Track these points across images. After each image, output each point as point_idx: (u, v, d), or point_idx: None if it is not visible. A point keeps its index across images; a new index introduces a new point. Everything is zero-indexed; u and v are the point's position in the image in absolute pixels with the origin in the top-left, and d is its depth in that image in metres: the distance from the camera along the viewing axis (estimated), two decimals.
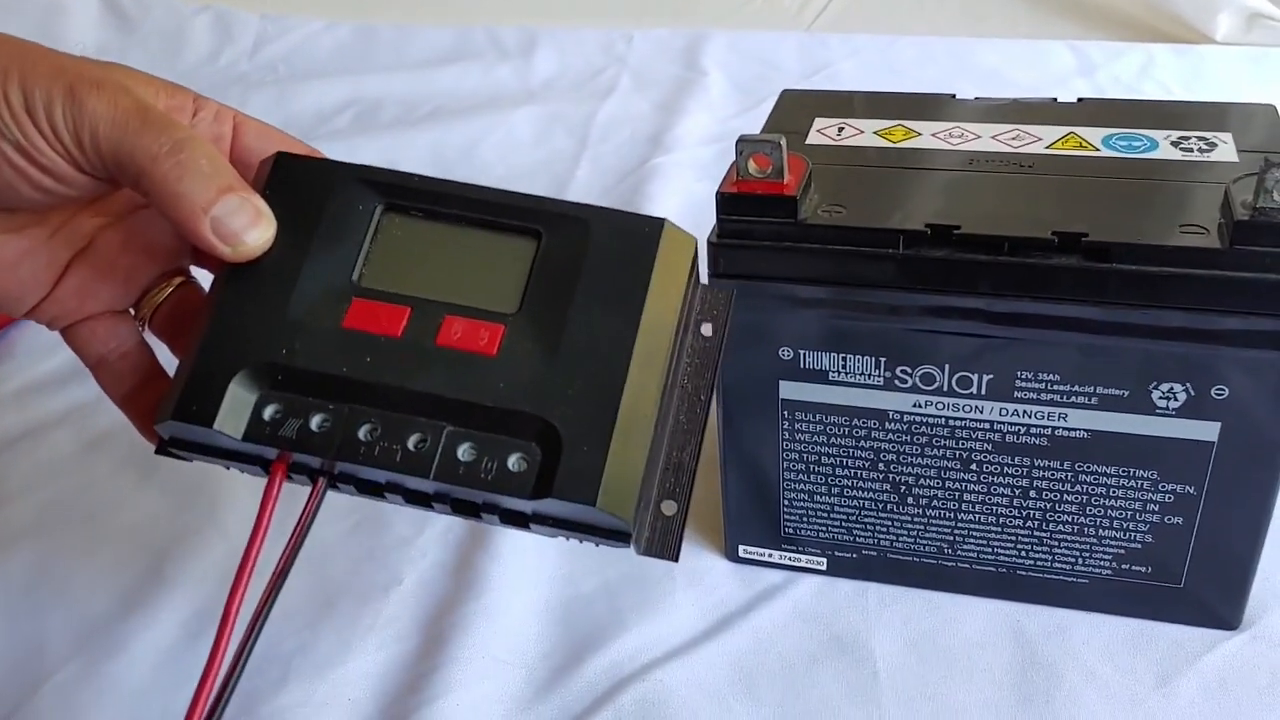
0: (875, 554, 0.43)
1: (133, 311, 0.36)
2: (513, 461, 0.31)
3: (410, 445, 0.31)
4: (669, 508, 0.33)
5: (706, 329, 0.34)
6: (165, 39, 1.04)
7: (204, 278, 0.35)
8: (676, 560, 0.33)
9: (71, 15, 1.05)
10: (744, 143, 0.37)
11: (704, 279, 0.35)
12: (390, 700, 0.40)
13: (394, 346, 0.31)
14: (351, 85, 0.93)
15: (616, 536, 0.32)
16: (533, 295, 0.32)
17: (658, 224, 0.33)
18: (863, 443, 0.40)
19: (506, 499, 0.31)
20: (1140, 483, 0.38)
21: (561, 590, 0.44)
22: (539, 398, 0.31)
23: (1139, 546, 0.40)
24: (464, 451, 0.31)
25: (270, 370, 0.31)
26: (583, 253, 0.32)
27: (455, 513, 0.32)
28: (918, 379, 0.38)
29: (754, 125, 0.83)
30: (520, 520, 0.32)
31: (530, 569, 0.45)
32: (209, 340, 0.31)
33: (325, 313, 0.31)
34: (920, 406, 0.39)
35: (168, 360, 0.37)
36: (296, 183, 0.33)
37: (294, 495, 0.31)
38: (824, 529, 0.43)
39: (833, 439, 0.41)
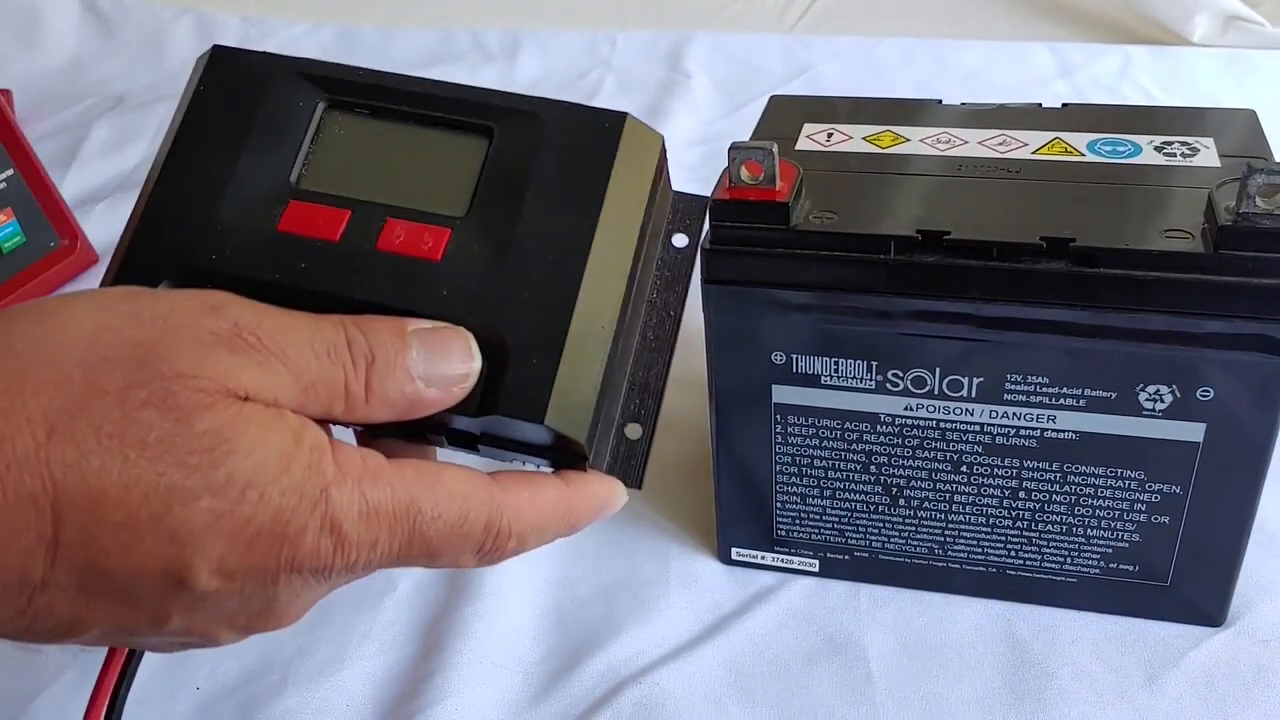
0: (867, 555, 0.43)
1: None
2: None
3: None
4: (633, 431, 0.30)
5: (679, 240, 0.32)
6: (146, 43, 1.03)
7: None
8: (639, 487, 0.30)
9: (51, 19, 1.04)
10: (736, 149, 0.37)
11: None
12: (388, 706, 0.40)
13: (331, 251, 0.28)
14: None
15: (570, 457, 0.29)
16: (483, 198, 0.29)
17: (619, 118, 0.30)
18: (854, 445, 0.41)
19: (451, 417, 0.28)
20: (1127, 483, 0.39)
21: (556, 594, 0.45)
22: (485, 306, 0.28)
23: (1126, 546, 0.40)
24: None
25: (199, 277, 0.28)
26: (537, 151, 0.29)
27: (399, 436, 0.29)
28: (909, 382, 0.39)
29: (738, 127, 0.83)
30: (468, 441, 0.29)
31: (524, 573, 0.45)
32: (135, 244, 0.29)
33: (259, 216, 0.29)
34: (911, 409, 0.39)
35: None
36: (233, 77, 0.30)
37: None
38: (816, 531, 0.43)
39: (825, 442, 0.41)
